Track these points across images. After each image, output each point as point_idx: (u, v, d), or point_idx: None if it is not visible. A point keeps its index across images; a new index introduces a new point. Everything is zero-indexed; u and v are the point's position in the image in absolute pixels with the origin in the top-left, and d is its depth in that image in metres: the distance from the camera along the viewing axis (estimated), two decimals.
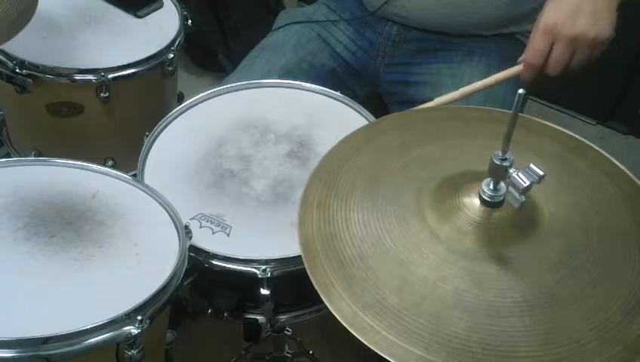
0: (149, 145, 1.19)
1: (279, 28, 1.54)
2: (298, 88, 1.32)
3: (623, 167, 0.96)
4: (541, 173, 0.80)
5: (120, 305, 0.88)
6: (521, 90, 0.78)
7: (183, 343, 1.15)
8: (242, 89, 1.31)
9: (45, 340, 0.84)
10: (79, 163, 1.09)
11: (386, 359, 0.75)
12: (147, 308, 0.90)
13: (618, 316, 0.79)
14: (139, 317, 0.88)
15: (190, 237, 1.02)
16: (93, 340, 0.86)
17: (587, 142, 1.00)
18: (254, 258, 1.03)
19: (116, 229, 1.00)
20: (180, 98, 1.53)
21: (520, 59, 1.16)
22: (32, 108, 1.35)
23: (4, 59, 1.28)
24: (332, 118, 1.25)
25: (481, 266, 0.82)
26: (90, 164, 1.09)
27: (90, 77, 1.29)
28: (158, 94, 1.45)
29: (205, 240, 1.05)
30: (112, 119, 1.37)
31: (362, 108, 1.26)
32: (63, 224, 0.99)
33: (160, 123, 1.22)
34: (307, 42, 1.50)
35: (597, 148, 0.98)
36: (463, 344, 0.76)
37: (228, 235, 1.07)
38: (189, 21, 1.45)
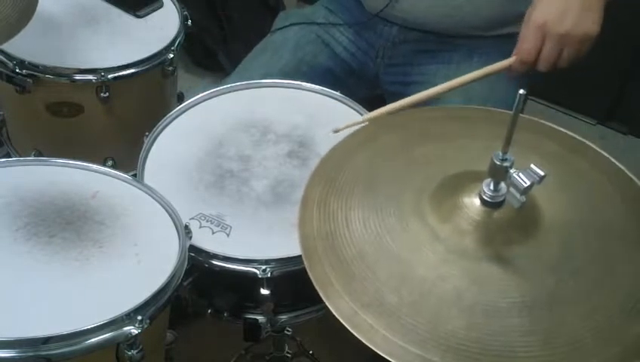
0: (149, 145, 1.19)
1: (278, 29, 1.54)
2: (298, 88, 1.32)
3: (622, 167, 0.96)
4: (542, 173, 0.80)
5: (120, 305, 0.88)
6: (521, 91, 0.78)
7: (183, 343, 1.15)
8: (242, 89, 1.31)
9: (45, 340, 0.84)
10: (79, 163, 1.09)
11: (384, 358, 0.75)
12: (147, 308, 0.90)
13: (617, 316, 0.79)
14: (139, 317, 0.88)
15: (190, 237, 1.02)
16: (93, 340, 0.86)
17: (587, 142, 1.00)
18: (254, 258, 1.03)
19: (116, 229, 1.00)
20: (180, 98, 1.53)
21: (513, 55, 1.19)
22: (32, 108, 1.35)
23: (4, 59, 1.28)
24: (332, 118, 1.24)
25: (480, 266, 0.82)
26: (90, 164, 1.09)
27: (90, 77, 1.28)
28: (158, 94, 1.45)
29: (205, 240, 1.05)
30: (112, 119, 1.37)
31: (362, 108, 1.26)
32: (63, 224, 0.99)
33: (160, 123, 1.22)
34: (306, 44, 1.49)
35: (597, 148, 0.99)
36: (460, 343, 0.76)
37: (228, 235, 1.07)
38: (189, 21, 1.44)
